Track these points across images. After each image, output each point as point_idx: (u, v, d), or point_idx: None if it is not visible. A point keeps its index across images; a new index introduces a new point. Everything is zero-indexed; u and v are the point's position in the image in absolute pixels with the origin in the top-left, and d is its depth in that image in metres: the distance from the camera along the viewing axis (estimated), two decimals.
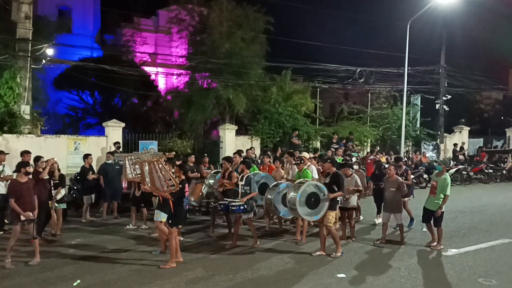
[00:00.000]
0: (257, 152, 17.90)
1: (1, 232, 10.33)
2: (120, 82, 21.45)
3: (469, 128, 27.61)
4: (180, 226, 8.09)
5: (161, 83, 29.14)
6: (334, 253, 8.65)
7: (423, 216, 9.68)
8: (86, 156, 12.49)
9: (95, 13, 32.87)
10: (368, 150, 22.13)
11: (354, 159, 17.84)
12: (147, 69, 27.13)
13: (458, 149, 24.42)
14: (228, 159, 10.55)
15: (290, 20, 32.54)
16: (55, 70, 23.41)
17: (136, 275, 7.47)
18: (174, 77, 24.28)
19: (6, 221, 10.71)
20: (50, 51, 17.63)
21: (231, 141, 19.02)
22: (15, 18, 14.98)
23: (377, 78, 24.39)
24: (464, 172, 20.93)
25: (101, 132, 19.66)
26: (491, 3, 28.66)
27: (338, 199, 9.04)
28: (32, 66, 15.46)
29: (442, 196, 9.32)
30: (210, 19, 20.97)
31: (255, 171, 10.92)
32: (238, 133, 19.84)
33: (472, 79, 26.89)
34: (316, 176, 10.58)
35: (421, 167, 19.99)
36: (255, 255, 8.73)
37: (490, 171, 21.97)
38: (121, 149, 14.91)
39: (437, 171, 9.87)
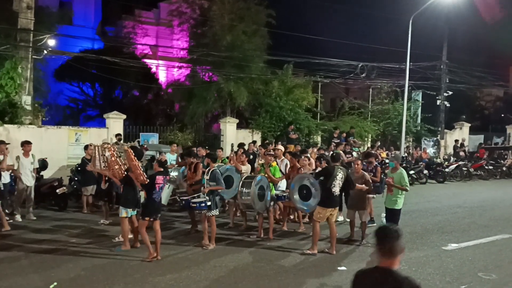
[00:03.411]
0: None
1: None
2: (121, 74, 21.42)
3: (469, 125, 27.62)
4: (147, 218, 7.69)
5: (162, 76, 29.10)
6: (307, 250, 8.41)
7: (386, 217, 9.20)
8: (87, 147, 12.44)
9: (96, 5, 32.76)
10: (369, 145, 22.14)
11: (355, 154, 17.88)
12: (148, 61, 27.09)
13: (459, 145, 24.43)
14: (189, 153, 10.08)
15: (292, 14, 32.38)
16: (56, 62, 23.38)
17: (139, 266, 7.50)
18: (175, 69, 24.25)
19: (6, 211, 10.74)
20: (51, 42, 17.57)
21: (232, 134, 19.03)
22: (17, 8, 14.93)
23: (379, 73, 24.36)
24: (464, 169, 20.97)
25: (101, 124, 19.67)
26: None
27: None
28: (33, 56, 15.43)
29: (400, 192, 8.81)
30: (212, 11, 20.91)
31: (218, 164, 10.55)
32: (239, 126, 19.84)
33: (473, 76, 26.86)
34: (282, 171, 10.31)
35: (421, 163, 20.04)
36: (255, 249, 8.74)
37: (490, 167, 22.01)
38: (122, 141, 14.90)
39: (390, 167, 9.35)
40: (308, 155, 11.67)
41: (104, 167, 9.44)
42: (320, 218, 8.42)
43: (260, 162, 10.69)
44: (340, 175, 8.46)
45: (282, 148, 12.07)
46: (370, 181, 9.64)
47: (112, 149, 8.83)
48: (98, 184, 12.25)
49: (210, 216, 8.57)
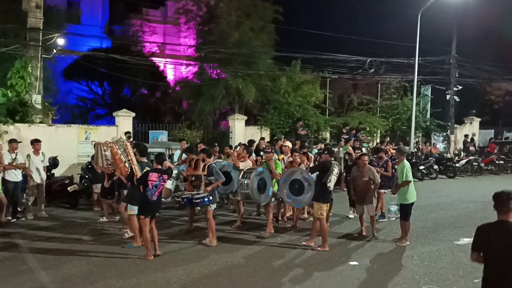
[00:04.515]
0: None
1: (14, 220, 10.42)
2: (129, 73, 21.51)
3: (479, 119, 27.37)
4: (142, 216, 7.64)
5: (170, 74, 29.17)
6: (317, 247, 8.37)
7: (399, 211, 9.13)
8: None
9: (104, 4, 32.91)
10: (378, 141, 22.04)
11: (364, 150, 17.80)
12: (155, 60, 27.15)
13: (468, 140, 24.24)
14: (190, 149, 9.92)
15: (298, 10, 32.29)
16: (65, 61, 23.51)
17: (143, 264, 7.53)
18: (183, 67, 24.29)
19: (18, 209, 10.85)
20: (60, 41, 17.66)
21: (240, 131, 19.01)
22: (26, 7, 15.04)
23: (387, 69, 24.20)
24: (475, 163, 20.79)
25: (110, 123, 19.77)
26: None
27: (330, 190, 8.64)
28: (43, 55, 15.53)
29: (407, 187, 8.65)
30: (218, 8, 20.91)
31: (216, 160, 10.47)
32: (247, 123, 19.82)
33: (483, 70, 26.59)
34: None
35: (431, 158, 19.90)
36: (266, 245, 8.73)
37: (501, 162, 21.80)
38: (131, 139, 14.95)
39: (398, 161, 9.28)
40: (312, 151, 11.60)
41: (107, 165, 9.45)
42: (322, 214, 8.38)
43: (261, 159, 10.61)
44: (336, 170, 8.48)
45: (290, 145, 11.96)
46: (377, 175, 9.54)
47: (115, 147, 8.82)
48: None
49: (209, 210, 8.51)
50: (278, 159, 10.58)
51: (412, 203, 8.85)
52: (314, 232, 8.59)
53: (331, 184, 8.44)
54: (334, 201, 11.45)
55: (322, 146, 14.92)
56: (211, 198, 8.47)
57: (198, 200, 8.47)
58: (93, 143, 10.94)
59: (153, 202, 7.69)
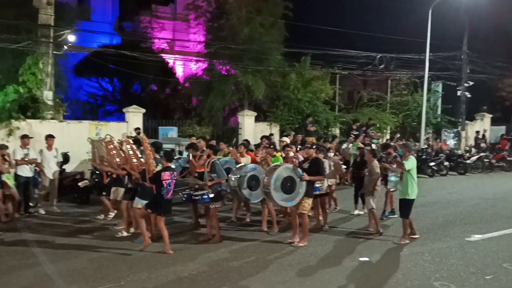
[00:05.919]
0: (276, 138, 17.85)
1: (26, 214, 10.54)
2: (139, 69, 21.57)
3: (491, 116, 27.13)
4: (149, 210, 7.71)
5: (179, 70, 29.21)
6: (296, 242, 8.30)
7: (399, 207, 8.97)
8: None
9: (114, 1, 33.03)
10: (388, 137, 21.94)
11: (374, 146, 17.72)
12: (165, 56, 27.18)
13: (480, 136, 24.03)
14: (191, 146, 9.76)
15: (309, 6, 32.12)
16: (76, 57, 23.65)
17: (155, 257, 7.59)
18: (193, 63, 24.31)
19: (30, 204, 10.97)
20: (71, 38, 17.77)
21: (250, 127, 19.02)
22: (37, 4, 15.14)
23: (398, 65, 24.04)
24: (486, 160, 20.62)
25: (120, 119, 19.85)
26: None
27: (318, 185, 8.74)
28: (54, 52, 15.64)
29: (410, 182, 8.47)
30: (228, 4, 20.88)
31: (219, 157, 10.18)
32: (257, 119, 19.82)
33: (494, 66, 26.30)
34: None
35: (441, 155, 19.77)
36: (275, 242, 8.73)
37: None
38: (142, 134, 14.99)
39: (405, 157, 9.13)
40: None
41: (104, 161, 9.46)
42: (308, 209, 8.42)
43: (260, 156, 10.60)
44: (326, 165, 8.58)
45: (288, 140, 11.91)
46: (375, 170, 9.40)
47: (131, 142, 8.88)
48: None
49: (212, 208, 8.38)
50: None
51: (413, 200, 8.65)
52: (296, 228, 8.48)
53: None
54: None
55: (333, 143, 14.84)
56: (211, 195, 8.31)
57: (197, 197, 8.39)
58: (89, 140, 10.94)
59: (168, 201, 7.74)
